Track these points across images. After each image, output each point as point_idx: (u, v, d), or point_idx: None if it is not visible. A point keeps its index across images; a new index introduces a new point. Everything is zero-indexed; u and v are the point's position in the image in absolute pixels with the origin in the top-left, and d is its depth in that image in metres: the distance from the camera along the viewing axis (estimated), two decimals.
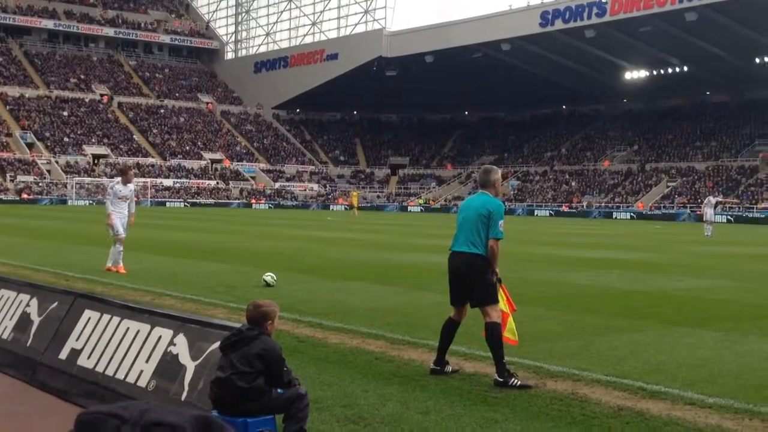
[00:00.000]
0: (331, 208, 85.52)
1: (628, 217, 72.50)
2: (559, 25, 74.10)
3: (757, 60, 75.98)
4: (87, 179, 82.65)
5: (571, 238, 34.66)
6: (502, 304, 7.71)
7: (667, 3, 66.39)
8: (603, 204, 79.18)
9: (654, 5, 67.24)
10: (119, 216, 16.08)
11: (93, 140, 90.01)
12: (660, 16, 68.22)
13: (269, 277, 14.28)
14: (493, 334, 7.44)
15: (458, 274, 7.72)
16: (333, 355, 8.53)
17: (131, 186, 16.37)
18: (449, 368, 7.73)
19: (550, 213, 78.56)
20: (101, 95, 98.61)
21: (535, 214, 78.51)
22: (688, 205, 71.48)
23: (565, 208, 79.21)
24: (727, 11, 66.09)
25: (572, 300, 13.40)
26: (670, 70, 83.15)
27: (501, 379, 7.25)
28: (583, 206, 79.34)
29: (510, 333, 7.66)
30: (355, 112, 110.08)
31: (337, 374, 7.59)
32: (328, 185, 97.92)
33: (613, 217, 73.36)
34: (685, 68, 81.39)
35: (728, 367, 8.29)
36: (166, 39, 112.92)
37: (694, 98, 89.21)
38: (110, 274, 15.73)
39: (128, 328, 6.66)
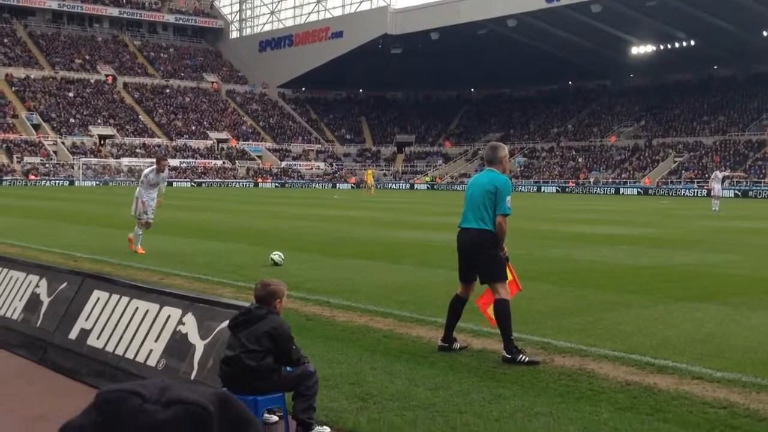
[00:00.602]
0: (337, 186, 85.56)
1: (635, 192, 72.37)
2: (565, 0, 73.63)
3: (765, 33, 75.44)
4: (93, 160, 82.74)
5: (578, 214, 34.62)
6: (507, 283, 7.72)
7: None
8: (610, 180, 79.00)
9: None
10: (149, 201, 16.53)
11: (99, 121, 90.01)
12: None
13: (277, 256, 14.32)
14: (503, 310, 7.45)
15: (467, 251, 7.72)
16: (341, 333, 8.56)
17: (164, 174, 16.79)
18: (457, 345, 7.75)
19: (556, 189, 78.45)
20: (106, 76, 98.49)
21: (542, 190, 78.38)
22: (696, 180, 71.27)
23: (572, 185, 79.08)
24: None
25: (579, 276, 13.40)
26: (676, 45, 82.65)
27: (509, 356, 7.27)
28: (590, 182, 79.20)
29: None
30: (360, 90, 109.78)
31: (345, 352, 7.62)
32: (334, 164, 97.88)
33: (620, 192, 73.22)
34: (692, 42, 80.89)
35: (736, 341, 8.30)
36: (170, 18, 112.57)
37: (701, 72, 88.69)
38: (119, 254, 15.78)
39: (137, 308, 6.69)
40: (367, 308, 9.94)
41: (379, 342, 8.11)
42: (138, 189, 16.80)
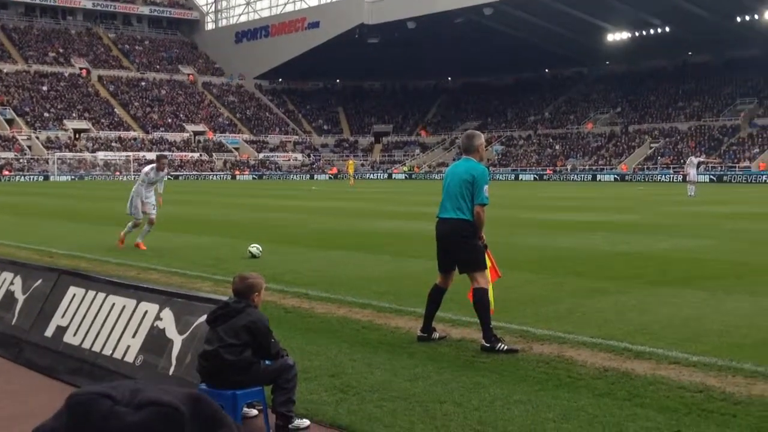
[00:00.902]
0: (315, 177, 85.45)
1: (612, 179, 72.78)
2: None
3: (739, 19, 75.92)
4: (69, 154, 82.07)
5: (556, 201, 34.77)
6: (487, 272, 7.74)
7: None
8: (587, 167, 79.37)
9: None
10: (147, 201, 16.15)
11: (74, 115, 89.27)
12: None
13: (255, 248, 14.28)
14: (481, 299, 7.47)
15: (445, 241, 7.73)
16: (320, 324, 8.56)
17: (163, 173, 16.42)
18: (436, 335, 7.77)
19: (534, 177, 78.73)
20: (80, 69, 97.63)
21: (520, 178, 78.63)
22: (671, 166, 71.76)
23: (549, 172, 79.39)
24: None
25: (558, 263, 13.46)
26: (651, 31, 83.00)
27: (488, 344, 7.30)
28: (567, 169, 79.54)
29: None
30: (337, 81, 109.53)
31: (324, 344, 7.62)
32: (312, 155, 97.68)
33: (597, 179, 73.60)
34: (667, 29, 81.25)
35: (711, 325, 8.37)
36: (144, 10, 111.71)
37: (676, 59, 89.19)
38: (95, 249, 15.67)
39: (114, 304, 6.66)
40: (346, 299, 9.95)
41: (359, 333, 8.12)
42: (135, 187, 16.40)
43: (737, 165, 69.97)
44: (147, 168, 16.71)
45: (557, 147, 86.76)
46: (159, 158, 16.69)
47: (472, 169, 7.64)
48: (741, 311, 9.16)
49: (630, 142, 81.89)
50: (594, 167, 79.00)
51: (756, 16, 74.15)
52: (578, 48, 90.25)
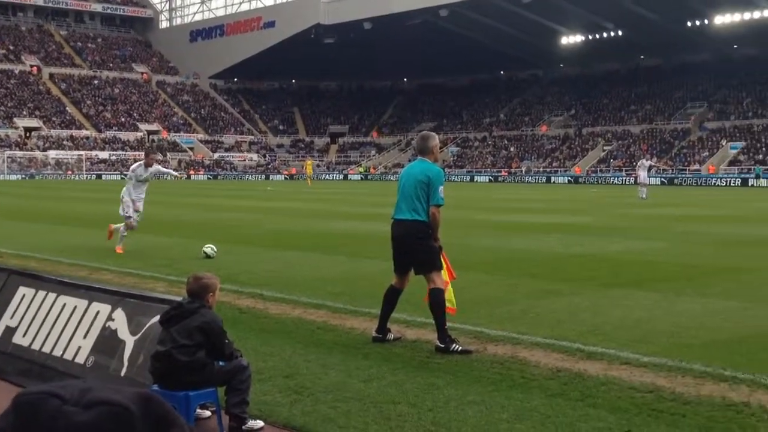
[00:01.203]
0: (271, 178, 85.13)
1: (566, 181, 73.52)
2: None
3: (689, 23, 77.17)
4: (19, 153, 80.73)
5: (510, 203, 35.02)
6: (443, 272, 7.76)
7: None
8: (541, 169, 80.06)
9: None
10: (139, 200, 15.45)
11: (24, 113, 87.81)
12: None
13: (209, 248, 14.18)
14: (437, 300, 7.48)
15: (400, 242, 7.74)
16: (274, 325, 8.52)
17: (152, 169, 15.73)
18: (391, 336, 7.78)
19: (489, 179, 79.21)
20: (31, 66, 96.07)
21: (475, 180, 79.06)
22: (624, 168, 72.68)
23: (504, 174, 79.95)
24: None
25: (512, 265, 13.56)
26: (605, 35, 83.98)
27: (442, 345, 7.32)
28: (521, 171, 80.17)
29: (449, 302, 7.70)
30: (293, 81, 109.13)
31: (278, 345, 7.59)
32: (267, 155, 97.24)
33: (551, 181, 74.29)
34: (620, 32, 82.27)
35: (662, 326, 8.49)
36: (97, 7, 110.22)
37: (629, 62, 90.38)
38: (46, 249, 15.43)
39: (65, 304, 6.56)
40: (301, 300, 9.92)
41: (313, 334, 8.10)
42: (126, 187, 15.64)
43: (688, 168, 71.11)
44: (134, 165, 16.04)
45: (512, 149, 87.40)
46: (147, 154, 16.02)
47: (427, 170, 7.65)
48: (691, 312, 9.31)
49: (584, 145, 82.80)
50: (548, 169, 79.74)
51: (706, 21, 75.43)
52: (533, 50, 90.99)
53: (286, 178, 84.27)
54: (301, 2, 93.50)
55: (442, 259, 7.77)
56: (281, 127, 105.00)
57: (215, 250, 14.21)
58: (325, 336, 8.01)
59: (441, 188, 7.62)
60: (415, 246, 7.63)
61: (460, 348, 7.28)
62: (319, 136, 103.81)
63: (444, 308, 7.48)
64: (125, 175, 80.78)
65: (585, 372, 6.66)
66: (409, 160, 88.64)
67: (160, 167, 16.68)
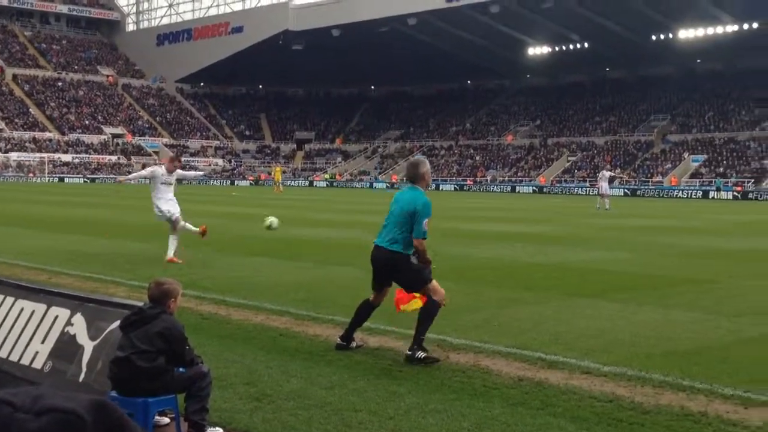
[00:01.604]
0: (235, 183, 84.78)
1: (531, 191, 74.02)
2: (464, 0, 74.62)
3: (654, 37, 78.17)
4: None
5: (476, 212, 35.17)
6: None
7: None
8: (506, 178, 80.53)
9: None
10: (167, 201, 14.74)
11: None
12: None
13: (272, 220, 13.29)
14: (430, 311, 7.41)
15: (379, 267, 7.69)
16: (237, 332, 8.47)
17: (177, 173, 15.21)
18: (354, 344, 7.76)
19: (455, 187, 79.52)
20: None
21: (440, 188, 79.31)
22: (588, 179, 73.36)
23: (469, 183, 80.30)
24: None
25: (477, 273, 13.60)
26: (571, 47, 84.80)
27: (410, 352, 7.29)
28: (487, 180, 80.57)
29: (410, 306, 7.65)
30: (260, 86, 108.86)
31: (240, 351, 7.54)
32: (233, 160, 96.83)
33: (516, 191, 74.76)
34: (586, 45, 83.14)
35: (623, 336, 8.56)
36: (63, 9, 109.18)
37: (595, 74, 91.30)
38: (4, 252, 15.21)
39: (22, 309, 6.46)
40: (264, 306, 9.86)
41: (276, 340, 8.07)
42: (153, 194, 14.94)
43: (650, 180, 71.93)
44: (153, 168, 15.54)
45: (478, 158, 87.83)
46: (172, 159, 15.42)
47: (415, 201, 7.54)
48: (652, 323, 9.40)
49: (548, 155, 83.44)
50: (513, 179, 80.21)
51: (670, 35, 76.47)
52: (500, 61, 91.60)
53: (251, 184, 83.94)
54: (269, 8, 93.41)
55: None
56: (247, 133, 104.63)
57: (277, 223, 13.43)
58: (287, 343, 7.98)
59: (426, 221, 7.50)
60: (392, 274, 7.61)
61: (423, 355, 7.26)
62: (286, 142, 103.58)
63: (431, 322, 7.43)
64: (89, 178, 79.73)
65: (546, 381, 6.70)
66: (376, 168, 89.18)
67: (184, 172, 16.37)
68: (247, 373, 6.74)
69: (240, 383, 6.45)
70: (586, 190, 70.64)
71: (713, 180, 67.55)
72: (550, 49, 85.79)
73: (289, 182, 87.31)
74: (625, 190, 68.20)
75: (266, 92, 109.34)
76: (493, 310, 10.05)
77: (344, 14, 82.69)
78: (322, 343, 7.99)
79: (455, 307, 10.15)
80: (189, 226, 15.06)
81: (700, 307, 10.55)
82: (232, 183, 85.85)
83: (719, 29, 73.06)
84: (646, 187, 70.21)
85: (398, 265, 7.52)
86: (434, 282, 7.54)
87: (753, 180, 66.51)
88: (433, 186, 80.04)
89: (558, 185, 75.29)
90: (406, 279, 7.58)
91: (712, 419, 5.73)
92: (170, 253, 14.40)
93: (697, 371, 7.02)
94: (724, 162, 71.22)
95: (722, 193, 63.90)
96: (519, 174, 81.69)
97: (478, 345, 7.96)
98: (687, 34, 74.84)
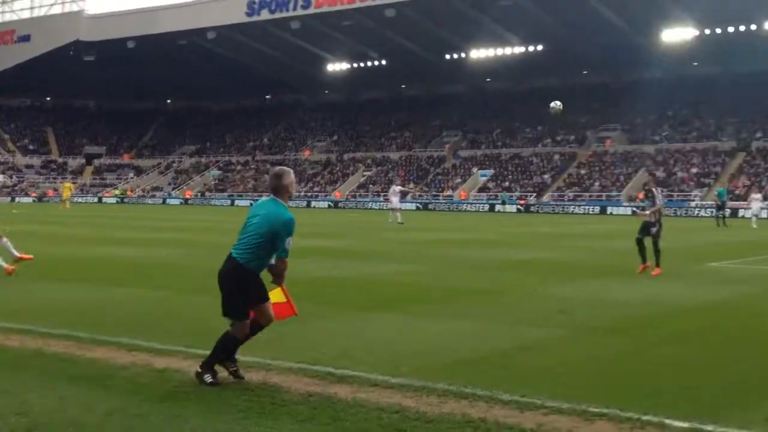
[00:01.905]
0: (17, 200, 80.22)
1: (326, 205, 74.74)
2: (265, 15, 74.48)
3: (447, 56, 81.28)
4: None
5: None
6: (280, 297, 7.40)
7: None
8: (302, 193, 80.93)
9: (356, 0, 69.55)
10: None
11: None
12: (361, 11, 70.79)
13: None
14: (225, 343, 7.06)
15: (222, 278, 7.16)
16: (10, 359, 7.92)
17: None
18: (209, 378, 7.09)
19: (250, 203, 78.85)
20: None
21: (236, 204, 78.49)
22: (382, 194, 74.99)
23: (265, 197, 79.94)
24: (422, 9, 70.01)
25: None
26: (369, 64, 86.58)
27: (200, 370, 7.04)
28: None
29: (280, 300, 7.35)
30: (47, 98, 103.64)
31: (12, 380, 7.05)
32: (15, 176, 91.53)
33: (312, 206, 75.31)
34: (384, 62, 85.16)
35: (413, 347, 8.73)
36: None
37: (391, 91, 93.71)
38: None
39: None
40: (41, 331, 9.28)
41: (53, 366, 7.61)
42: None
43: (441, 194, 74.52)
44: None
45: None
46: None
47: (275, 218, 7.01)
48: (441, 334, 9.65)
49: (345, 170, 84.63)
50: (309, 194, 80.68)
51: (462, 55, 79.83)
52: (299, 76, 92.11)
53: (34, 201, 79.70)
54: (60, 17, 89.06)
55: (282, 293, 7.39)
56: (32, 147, 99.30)
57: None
58: (66, 368, 7.53)
59: (289, 239, 7.02)
60: (229, 288, 7.12)
61: (211, 380, 7.01)
62: (74, 157, 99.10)
63: (225, 349, 7.08)
64: None
65: (335, 396, 6.70)
66: (169, 183, 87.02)
67: None
68: (19, 403, 6.30)
69: (11, 414, 6.01)
70: (380, 205, 72.11)
71: (498, 194, 70.83)
72: (348, 66, 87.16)
73: (76, 198, 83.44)
74: (418, 205, 70.27)
75: (54, 104, 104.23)
76: (282, 326, 9.91)
77: (141, 26, 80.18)
78: (103, 367, 7.60)
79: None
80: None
81: (485, 317, 10.96)
82: (13, 200, 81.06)
83: (507, 50, 77.00)
84: (438, 201, 72.67)
85: (238, 281, 7.04)
86: (247, 321, 7.13)
87: (535, 194, 70.33)
88: (228, 201, 79.25)
89: (353, 200, 76.47)
90: (228, 298, 7.11)
91: (491, 424, 5.92)
92: None
93: (479, 379, 7.25)
94: (510, 176, 74.93)
95: (507, 206, 67.12)
96: (315, 189, 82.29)
97: (267, 362, 7.86)
98: (478, 54, 78.40)
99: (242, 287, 7.06)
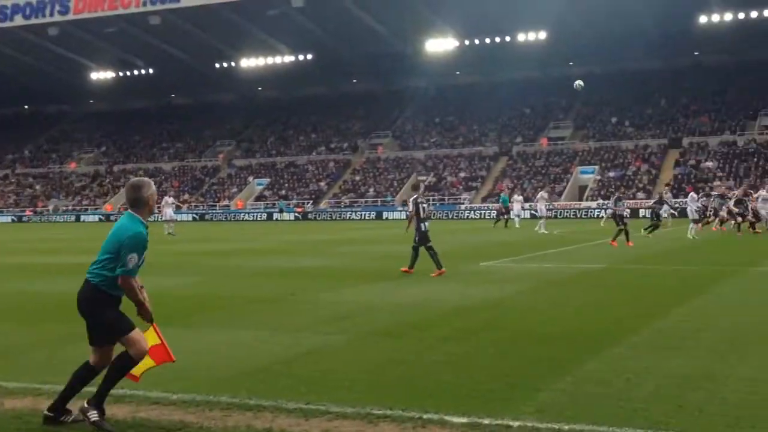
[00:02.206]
0: None
1: (97, 219, 71.84)
2: (19, 21, 70.70)
3: (217, 65, 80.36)
4: None
5: (36, 244, 33.28)
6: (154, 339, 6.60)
7: (132, 5, 67.07)
8: (70, 207, 77.28)
9: (119, 7, 67.56)
10: None
11: None
12: (125, 18, 68.77)
13: None
14: (120, 366, 6.38)
15: (80, 306, 6.48)
16: None
17: None
18: (69, 418, 6.41)
19: (12, 219, 74.56)
20: None
21: None
22: (158, 206, 73.06)
23: (29, 213, 75.77)
24: (190, 18, 68.89)
25: (39, 310, 12.80)
26: (136, 72, 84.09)
27: (87, 405, 6.33)
28: (49, 210, 76.61)
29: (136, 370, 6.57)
30: None
31: None
32: None
33: (81, 220, 72.09)
34: (151, 71, 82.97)
35: (193, 361, 8.51)
36: None
37: (161, 100, 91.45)
38: None
39: None
40: None
41: None
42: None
43: (218, 204, 73.60)
44: None
45: (38, 187, 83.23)
46: None
47: (124, 232, 6.30)
48: (220, 344, 9.53)
49: (115, 182, 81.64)
50: (78, 208, 77.18)
51: (233, 64, 79.27)
52: (61, 85, 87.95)
53: None
54: None
55: (155, 334, 6.58)
56: None
57: None
58: None
59: (129, 256, 6.24)
60: (90, 314, 6.43)
61: (97, 419, 6.24)
62: None
63: (121, 377, 6.40)
64: None
65: (114, 416, 6.43)
66: (119, 211, 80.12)
67: None
68: None
69: None
70: (155, 217, 70.30)
71: (276, 202, 70.95)
72: (114, 74, 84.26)
73: None
74: (194, 215, 69.04)
75: None
76: (53, 348, 9.45)
77: None
78: None
79: (14, 349, 9.43)
80: None
81: (266, 326, 10.92)
82: None
83: (278, 59, 77.30)
84: (214, 211, 71.72)
85: (95, 303, 6.37)
86: (137, 332, 6.44)
87: (312, 201, 71.06)
88: None
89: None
90: (101, 325, 6.43)
91: None
92: None
93: (263, 389, 7.20)
94: (286, 185, 75.24)
95: (285, 214, 67.40)
96: (84, 202, 78.81)
97: (37, 387, 7.43)
98: (248, 63, 78.12)
99: (99, 307, 6.41)
